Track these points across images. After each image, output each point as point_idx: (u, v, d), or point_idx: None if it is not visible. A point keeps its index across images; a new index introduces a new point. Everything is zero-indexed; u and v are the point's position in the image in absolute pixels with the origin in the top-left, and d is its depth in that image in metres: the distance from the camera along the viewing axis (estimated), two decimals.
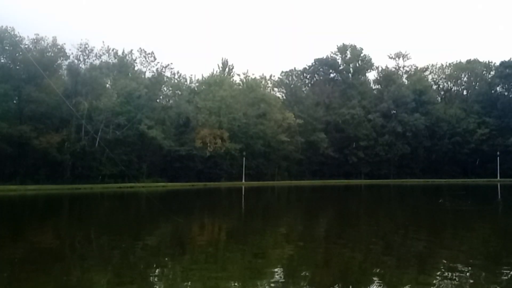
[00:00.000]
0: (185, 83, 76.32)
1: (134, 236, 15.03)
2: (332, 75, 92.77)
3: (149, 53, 70.73)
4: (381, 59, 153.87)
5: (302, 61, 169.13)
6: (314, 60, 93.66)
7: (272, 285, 8.33)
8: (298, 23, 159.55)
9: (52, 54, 56.10)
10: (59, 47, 56.88)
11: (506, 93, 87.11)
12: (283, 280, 8.71)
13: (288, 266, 10.06)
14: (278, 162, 75.13)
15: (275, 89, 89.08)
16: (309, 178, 75.85)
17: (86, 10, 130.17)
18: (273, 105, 74.54)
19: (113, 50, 67.78)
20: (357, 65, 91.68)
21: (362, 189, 54.61)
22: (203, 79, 76.57)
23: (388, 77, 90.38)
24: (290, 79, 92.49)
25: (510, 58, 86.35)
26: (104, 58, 65.65)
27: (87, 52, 59.77)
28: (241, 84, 79.47)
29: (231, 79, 79.63)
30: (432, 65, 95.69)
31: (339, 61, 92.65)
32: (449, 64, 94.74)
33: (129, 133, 58.09)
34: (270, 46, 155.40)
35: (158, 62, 71.48)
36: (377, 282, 8.33)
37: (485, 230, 15.83)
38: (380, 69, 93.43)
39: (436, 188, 53.62)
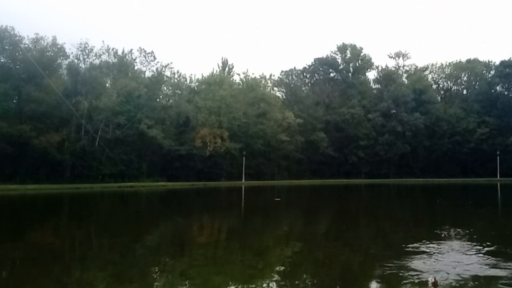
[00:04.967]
0: (185, 82, 76.40)
1: (134, 235, 15.04)
2: (332, 75, 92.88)
3: (149, 53, 70.81)
4: (381, 59, 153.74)
5: (302, 60, 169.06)
6: (314, 59, 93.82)
7: (272, 285, 8.34)
8: (298, 22, 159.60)
9: (52, 54, 56.06)
10: (59, 46, 56.85)
11: (506, 93, 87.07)
12: (283, 280, 8.72)
13: (287, 266, 10.07)
14: (278, 161, 75.14)
15: (275, 88, 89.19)
16: (309, 178, 75.86)
17: (86, 10, 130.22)
18: (273, 105, 74.57)
19: (113, 49, 67.90)
20: (357, 64, 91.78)
21: (362, 189, 54.62)
22: (203, 78, 76.59)
23: (388, 77, 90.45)
24: (290, 78, 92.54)
25: (510, 58, 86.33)
26: (104, 57, 65.77)
27: (87, 51, 59.76)
28: (241, 84, 79.50)
29: (231, 79, 79.66)
30: (432, 65, 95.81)
31: (339, 60, 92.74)
32: (449, 63, 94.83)
33: (129, 133, 58.07)
34: (270, 46, 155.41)
35: (158, 62, 71.49)
36: (377, 281, 8.35)
37: (483, 227, 15.85)
38: (380, 68, 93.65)
39: (436, 187, 53.71)
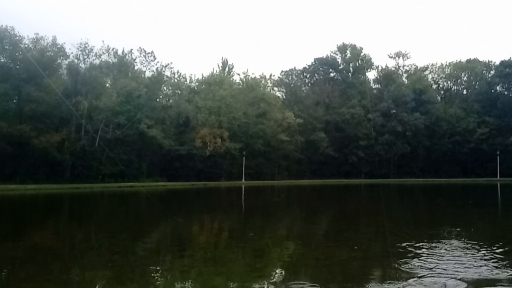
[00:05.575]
0: (185, 82, 76.48)
1: (133, 235, 15.04)
2: (332, 75, 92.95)
3: (149, 53, 70.89)
4: (381, 59, 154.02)
5: (302, 60, 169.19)
6: (314, 59, 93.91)
7: (272, 284, 8.34)
8: (298, 22, 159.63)
9: (52, 54, 56.10)
10: (59, 46, 56.91)
11: (506, 93, 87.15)
12: (282, 279, 8.72)
13: (287, 266, 10.07)
14: (278, 161, 75.16)
15: (275, 88, 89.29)
16: (309, 178, 75.89)
17: (86, 10, 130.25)
18: (273, 105, 74.60)
19: (113, 49, 67.93)
20: (357, 64, 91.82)
21: (362, 189, 54.62)
22: (203, 78, 76.66)
23: (388, 77, 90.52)
24: (290, 78, 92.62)
25: (510, 58, 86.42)
26: (104, 57, 65.85)
27: (87, 51, 59.85)
28: (241, 84, 79.53)
29: (231, 79, 79.70)
30: (432, 65, 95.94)
31: (339, 60, 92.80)
32: (449, 63, 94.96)
33: (129, 133, 58.10)
34: (270, 46, 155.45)
35: (158, 62, 71.59)
36: (376, 282, 8.34)
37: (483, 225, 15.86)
38: (380, 68, 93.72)
39: (436, 187, 53.68)
